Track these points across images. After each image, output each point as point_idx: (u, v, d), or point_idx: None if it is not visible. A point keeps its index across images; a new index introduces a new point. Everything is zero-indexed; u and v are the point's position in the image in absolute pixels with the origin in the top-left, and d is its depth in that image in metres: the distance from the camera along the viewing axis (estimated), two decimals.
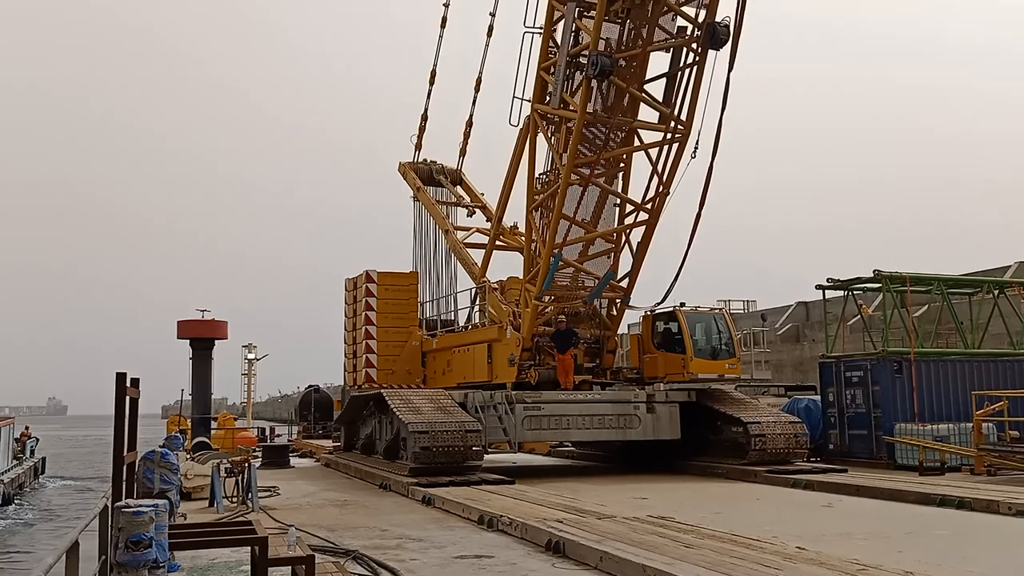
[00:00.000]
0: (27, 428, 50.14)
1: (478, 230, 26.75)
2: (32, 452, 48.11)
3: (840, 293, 24.94)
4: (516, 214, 24.45)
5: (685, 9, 18.99)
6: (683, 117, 19.37)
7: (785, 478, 17.81)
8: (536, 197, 20.72)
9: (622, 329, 24.13)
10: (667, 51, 19.47)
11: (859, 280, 23.65)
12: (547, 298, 20.88)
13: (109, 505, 7.79)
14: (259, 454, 24.97)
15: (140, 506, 6.91)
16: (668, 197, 20.03)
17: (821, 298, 25.68)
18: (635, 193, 20.66)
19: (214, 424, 34.27)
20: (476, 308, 24.98)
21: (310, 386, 43.55)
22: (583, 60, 18.82)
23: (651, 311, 22.28)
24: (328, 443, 30.52)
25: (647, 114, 19.89)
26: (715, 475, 19.54)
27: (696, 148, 19.24)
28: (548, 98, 19.87)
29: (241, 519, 11.35)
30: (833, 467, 19.45)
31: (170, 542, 7.38)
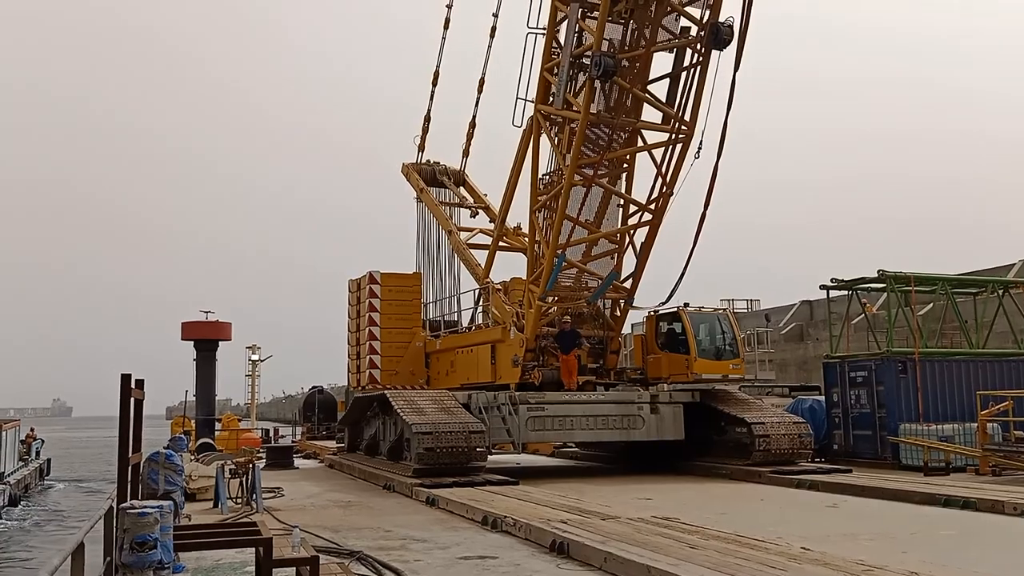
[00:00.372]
0: (32, 430, 50.26)
1: (481, 231, 26.75)
2: (37, 454, 48.25)
3: (844, 292, 24.90)
4: (519, 215, 24.49)
5: (689, 9, 18.96)
6: (687, 117, 19.34)
7: (789, 479, 17.79)
8: (539, 198, 20.71)
9: (626, 329, 24.11)
10: (670, 51, 19.45)
11: (863, 280, 23.61)
12: (550, 299, 20.87)
13: (114, 506, 7.80)
14: (263, 455, 25.00)
15: (145, 507, 6.93)
16: (672, 198, 20.02)
17: (825, 297, 25.64)
18: (638, 193, 20.67)
19: (218, 425, 34.32)
20: (480, 309, 25.00)
21: (314, 387, 43.61)
22: (586, 60, 18.80)
23: (655, 311, 22.28)
24: (332, 444, 30.56)
25: (651, 114, 19.88)
26: (719, 476, 19.53)
27: (700, 149, 19.24)
28: (551, 99, 19.85)
29: (245, 520, 11.36)
30: (837, 467, 19.44)
31: (175, 543, 7.40)
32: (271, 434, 37.62)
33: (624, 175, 20.90)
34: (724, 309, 23.36)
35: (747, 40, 18.32)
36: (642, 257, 20.83)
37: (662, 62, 19.61)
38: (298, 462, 26.64)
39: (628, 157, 20.50)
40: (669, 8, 18.79)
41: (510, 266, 25.24)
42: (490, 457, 20.00)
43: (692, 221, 19.87)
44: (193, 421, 33.80)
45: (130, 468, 8.57)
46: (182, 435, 22.91)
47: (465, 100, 28.33)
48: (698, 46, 18.98)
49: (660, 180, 20.03)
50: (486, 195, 27.92)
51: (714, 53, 18.75)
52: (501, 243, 24.83)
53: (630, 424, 20.20)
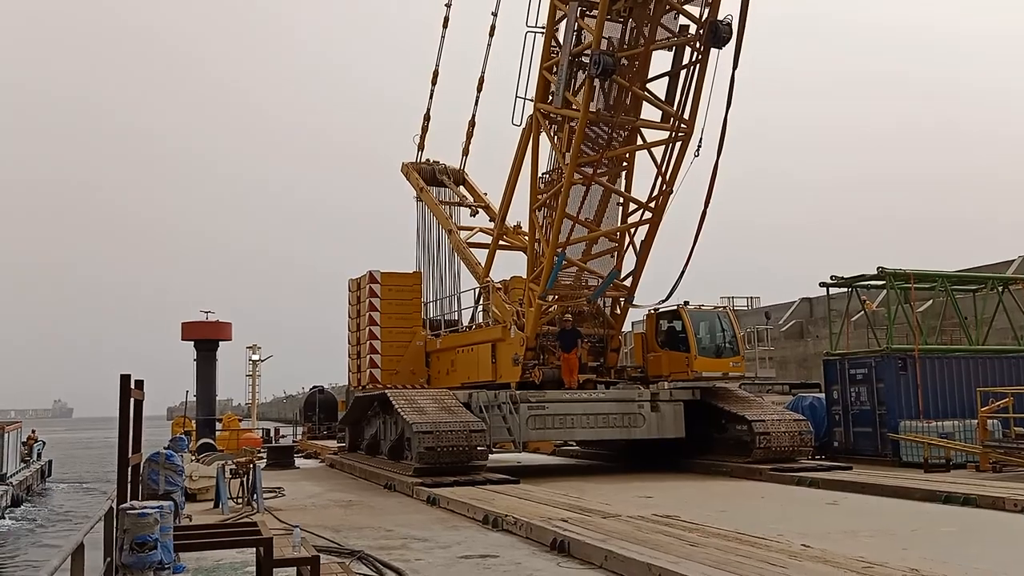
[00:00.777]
0: (33, 432, 50.31)
1: (481, 230, 26.76)
2: (39, 455, 48.32)
3: (844, 290, 24.90)
4: (519, 213, 24.50)
5: (688, 7, 18.95)
6: (686, 115, 19.33)
7: (790, 476, 17.81)
8: (539, 196, 20.71)
9: (626, 328, 24.11)
10: (669, 50, 19.45)
11: (863, 277, 23.60)
12: (551, 297, 20.87)
13: (114, 507, 7.81)
14: (264, 455, 25.00)
15: (145, 508, 6.93)
16: (671, 196, 20.02)
17: (825, 294, 25.64)
18: (638, 192, 20.67)
19: (219, 425, 34.32)
20: (480, 308, 25.01)
21: (314, 387, 43.60)
22: (585, 59, 18.80)
23: (655, 310, 22.28)
24: (333, 444, 30.56)
25: (650, 113, 19.89)
26: (720, 473, 19.54)
27: (699, 147, 19.24)
28: (551, 97, 19.85)
29: (246, 520, 11.36)
30: (838, 465, 19.46)
31: (175, 543, 7.40)
32: (272, 434, 37.63)
33: (624, 173, 20.90)
34: (724, 307, 23.38)
35: (745, 38, 18.36)
36: (642, 255, 20.82)
37: (661, 60, 19.65)
38: (299, 462, 26.65)
39: (628, 155, 20.50)
40: (668, 6, 18.77)
41: (510, 265, 25.28)
42: (491, 456, 20.00)
43: (692, 220, 19.92)
44: (194, 421, 33.82)
45: (130, 468, 8.57)
46: (182, 435, 22.92)
47: (465, 99, 28.37)
48: (697, 44, 18.98)
49: (660, 178, 20.02)
50: (486, 194, 27.93)
51: (713, 51, 18.76)
52: (501, 242, 24.83)
53: (630, 422, 20.21)
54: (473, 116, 28.16)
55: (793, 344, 40.71)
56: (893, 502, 14.56)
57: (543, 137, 20.69)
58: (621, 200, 20.94)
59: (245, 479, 15.46)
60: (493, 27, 27.17)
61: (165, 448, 11.54)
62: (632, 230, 20.82)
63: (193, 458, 19.97)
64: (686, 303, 21.62)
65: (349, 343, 27.56)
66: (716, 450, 20.81)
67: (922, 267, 23.90)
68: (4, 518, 32.65)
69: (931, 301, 28.04)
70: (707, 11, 18.64)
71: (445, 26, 28.99)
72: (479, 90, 27.83)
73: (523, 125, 21.84)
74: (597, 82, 18.76)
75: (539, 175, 20.96)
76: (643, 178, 20.57)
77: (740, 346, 21.93)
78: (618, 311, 21.83)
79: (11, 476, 37.46)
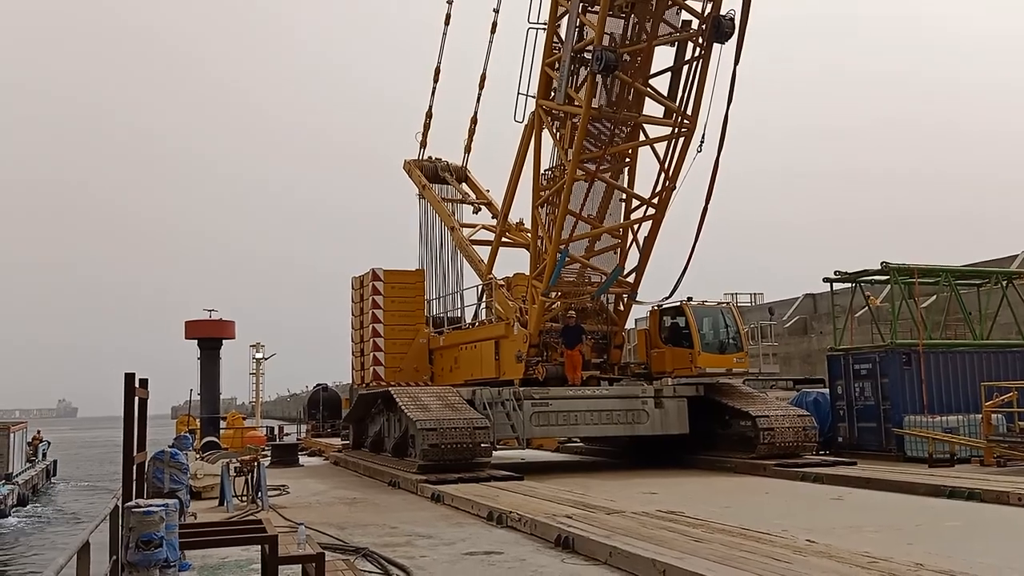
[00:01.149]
0: (39, 432, 50.47)
1: (484, 227, 26.74)
2: (44, 455, 48.48)
3: (848, 285, 24.87)
4: (522, 210, 24.47)
5: (690, 3, 18.92)
6: (688, 111, 19.31)
7: (794, 471, 17.79)
8: (542, 193, 20.70)
9: (629, 324, 24.10)
10: (672, 45, 19.41)
11: (867, 272, 23.57)
12: (554, 294, 20.87)
13: (120, 505, 7.82)
14: (268, 453, 25.05)
15: (150, 506, 6.93)
16: (674, 192, 20.00)
17: (828, 289, 25.60)
18: (641, 188, 20.65)
19: (223, 423, 34.41)
20: (483, 305, 25.01)
21: (318, 385, 43.66)
22: (587, 55, 18.77)
23: (658, 306, 22.26)
24: (337, 441, 30.58)
25: (652, 109, 19.84)
26: (724, 469, 19.53)
27: (702, 143, 19.22)
28: (553, 94, 19.83)
29: (251, 518, 11.38)
30: (842, 460, 19.44)
31: (180, 541, 7.41)
32: (276, 432, 37.71)
33: (626, 169, 20.89)
34: (728, 303, 23.33)
35: (747, 34, 18.31)
36: (645, 251, 20.80)
37: (663, 56, 19.61)
38: (303, 460, 26.67)
39: (630, 151, 20.48)
40: (670, 2, 18.74)
41: (513, 262, 25.33)
42: (495, 453, 20.02)
43: (694, 216, 19.89)
44: (198, 420, 33.91)
45: (135, 467, 8.59)
46: (187, 434, 22.98)
47: (466, 96, 28.38)
48: (699, 39, 18.94)
49: (663, 174, 20.01)
50: (488, 191, 27.92)
51: (716, 46, 18.72)
52: (504, 239, 24.81)
53: (634, 419, 20.21)
54: (475, 113, 28.16)
55: (797, 340, 40.66)
56: (898, 497, 14.55)
57: (545, 134, 20.68)
58: (624, 196, 20.93)
59: (250, 477, 15.49)
60: (495, 24, 27.17)
61: (170, 446, 11.58)
62: (635, 226, 20.80)
63: (198, 456, 20.02)
64: (689, 299, 21.59)
65: (352, 341, 27.58)
66: (720, 446, 20.80)
67: (921, 261, 23.86)
68: (10, 517, 32.76)
69: (935, 296, 28.00)
70: (709, 6, 18.60)
71: (447, 23, 28.96)
72: (481, 87, 27.83)
73: (525, 122, 21.84)
74: (599, 78, 18.72)
75: (541, 172, 20.96)
76: (646, 174, 20.58)
77: (744, 342, 21.91)
78: (621, 307, 21.82)
79: (17, 475, 37.60)
